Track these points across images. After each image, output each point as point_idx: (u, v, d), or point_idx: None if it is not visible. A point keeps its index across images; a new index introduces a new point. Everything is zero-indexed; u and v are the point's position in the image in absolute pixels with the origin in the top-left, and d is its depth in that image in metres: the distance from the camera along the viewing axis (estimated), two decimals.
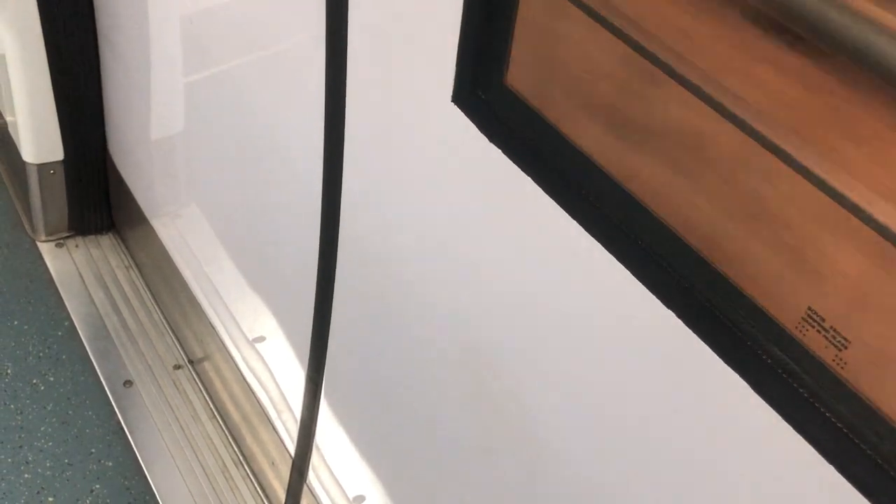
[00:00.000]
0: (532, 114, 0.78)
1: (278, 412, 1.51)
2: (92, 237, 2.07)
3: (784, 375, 0.62)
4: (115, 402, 1.74)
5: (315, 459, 1.37)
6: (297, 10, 1.10)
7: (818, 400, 0.61)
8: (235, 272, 1.56)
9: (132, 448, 1.66)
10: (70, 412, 1.75)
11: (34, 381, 1.80)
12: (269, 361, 1.52)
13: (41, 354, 1.85)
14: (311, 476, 1.38)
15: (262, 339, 1.54)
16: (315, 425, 1.31)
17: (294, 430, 1.37)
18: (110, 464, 1.67)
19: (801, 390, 0.62)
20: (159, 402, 1.74)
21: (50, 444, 1.69)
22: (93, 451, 1.69)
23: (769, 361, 0.63)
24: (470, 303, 0.94)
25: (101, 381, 1.78)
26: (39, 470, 1.65)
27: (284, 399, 1.51)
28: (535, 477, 0.92)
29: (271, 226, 1.39)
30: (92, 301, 1.93)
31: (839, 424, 0.60)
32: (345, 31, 0.92)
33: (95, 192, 2.02)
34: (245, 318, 1.56)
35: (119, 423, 1.71)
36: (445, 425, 1.06)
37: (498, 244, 0.87)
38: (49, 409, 1.75)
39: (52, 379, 1.81)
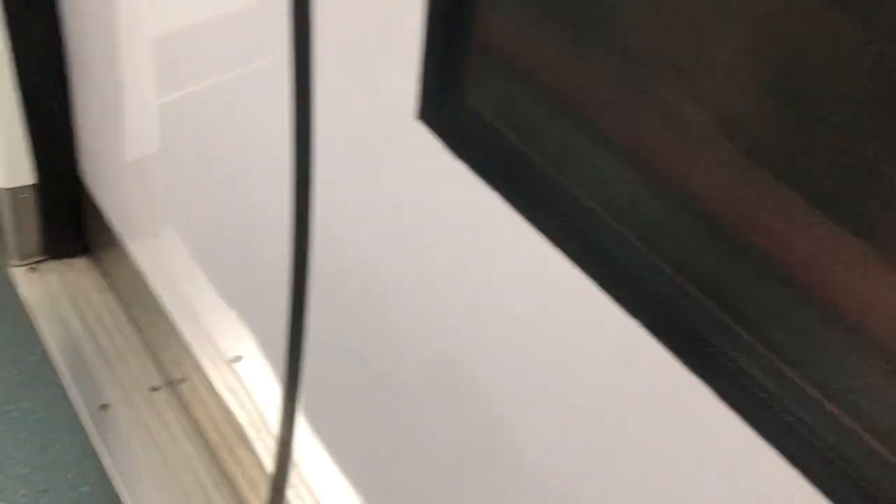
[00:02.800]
0: (495, 130, 0.79)
1: (257, 432, 1.51)
2: (66, 261, 2.05)
3: (746, 381, 0.63)
4: (92, 426, 1.72)
5: (294, 478, 1.37)
6: (263, 31, 1.10)
7: (780, 405, 0.62)
8: (212, 292, 1.55)
9: (109, 472, 1.65)
10: (45, 438, 1.73)
11: (8, 407, 1.78)
12: (247, 381, 1.52)
13: (15, 380, 1.83)
14: (290, 495, 1.38)
15: (239, 358, 1.53)
16: (293, 444, 1.31)
17: (273, 449, 1.37)
18: (87, 489, 1.65)
19: (763, 396, 0.63)
20: (136, 425, 1.72)
21: (25, 470, 1.67)
22: (69, 476, 1.67)
23: (732, 368, 0.65)
24: (442, 316, 0.94)
25: (76, 406, 1.76)
26: (14, 497, 1.62)
27: (263, 418, 1.50)
28: (515, 489, 0.93)
29: (246, 245, 1.39)
30: (66, 325, 1.92)
31: (801, 430, 0.61)
32: (310, 52, 0.93)
33: (68, 216, 2.00)
34: (222, 338, 1.56)
35: (96, 447, 1.69)
36: (424, 439, 1.06)
37: (467, 258, 0.88)
38: (23, 435, 1.73)
39: (26, 405, 1.78)
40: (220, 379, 1.57)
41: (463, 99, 0.81)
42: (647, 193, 0.70)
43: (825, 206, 0.58)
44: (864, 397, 0.59)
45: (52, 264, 2.05)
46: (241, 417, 1.53)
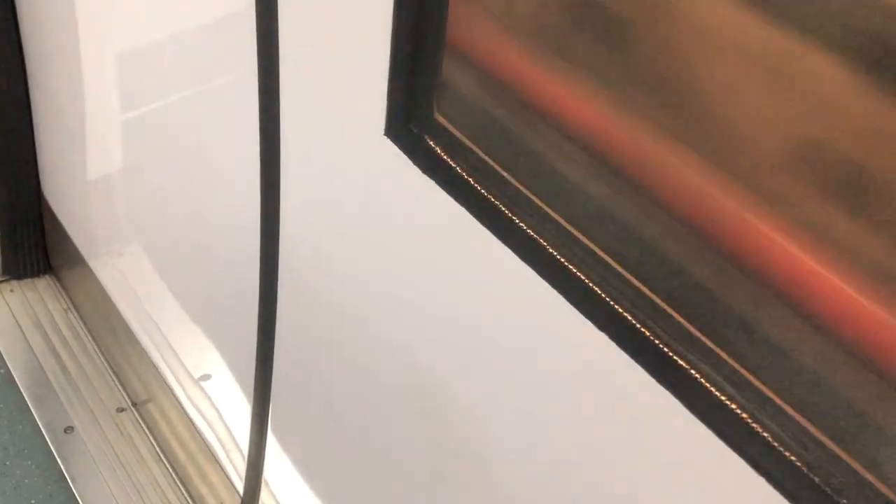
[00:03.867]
0: (463, 146, 0.80)
1: (226, 451, 1.49)
2: (28, 281, 2.02)
3: (713, 391, 0.64)
4: (56, 449, 1.69)
5: (265, 496, 1.35)
6: (228, 47, 1.10)
7: (748, 413, 0.63)
8: (178, 310, 1.54)
9: (75, 496, 1.61)
10: (8, 463, 1.69)
11: None
12: (216, 399, 1.50)
13: None
14: None
15: (207, 377, 1.52)
16: (263, 462, 1.29)
17: (243, 468, 1.35)
18: None
19: (730, 405, 0.64)
20: (102, 447, 1.69)
21: None
22: (33, 501, 1.63)
23: (700, 379, 0.66)
24: (410, 332, 0.95)
25: (40, 429, 1.72)
26: None
27: (232, 437, 1.48)
28: (483, 502, 0.93)
29: (212, 262, 1.38)
30: (29, 346, 1.88)
31: (766, 436, 0.62)
32: (276, 69, 0.93)
33: (30, 235, 1.97)
34: (189, 356, 1.54)
35: (61, 471, 1.66)
36: (395, 456, 1.06)
37: (435, 273, 0.88)
38: None
39: None
40: (187, 398, 1.55)
41: (431, 115, 0.82)
42: (614, 208, 0.71)
43: (785, 214, 0.59)
44: (828, 405, 0.60)
45: (14, 284, 2.01)
46: (210, 437, 1.51)
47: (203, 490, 1.57)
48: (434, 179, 0.81)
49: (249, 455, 1.31)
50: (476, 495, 0.94)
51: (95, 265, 1.79)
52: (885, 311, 0.56)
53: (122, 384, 1.81)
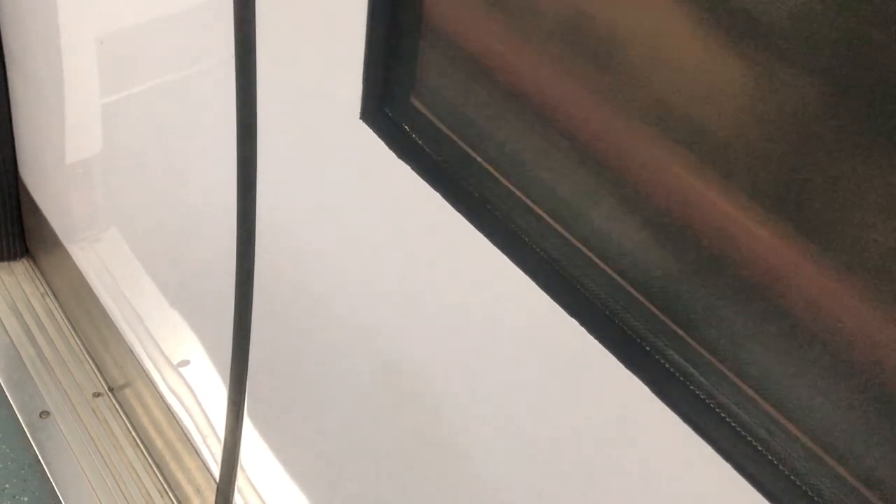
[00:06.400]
0: (438, 131, 0.80)
1: (203, 437, 1.48)
2: (4, 264, 2.00)
3: (681, 378, 0.65)
4: (31, 434, 1.68)
5: (241, 482, 1.35)
6: (206, 31, 1.09)
7: (713, 400, 0.64)
8: (156, 295, 1.53)
9: (50, 481, 1.61)
10: None
11: None
12: (194, 385, 1.50)
13: None
14: (237, 499, 1.36)
15: (185, 362, 1.51)
16: (239, 448, 1.29)
17: (219, 454, 1.35)
18: (26, 499, 1.61)
19: (697, 392, 0.64)
20: (78, 433, 1.68)
21: None
22: (7, 486, 1.62)
23: (667, 365, 0.66)
24: (385, 317, 0.95)
25: (15, 413, 1.71)
26: None
27: (209, 423, 1.48)
28: (460, 487, 0.93)
29: (191, 247, 1.37)
30: (5, 330, 1.87)
31: (733, 423, 0.62)
32: (253, 53, 0.92)
33: (7, 218, 1.95)
34: (167, 341, 1.53)
35: (35, 455, 1.65)
36: (370, 441, 1.06)
37: (409, 258, 0.88)
38: None
39: None
40: (164, 383, 1.55)
41: (407, 100, 0.82)
42: (587, 197, 0.71)
43: (764, 207, 0.59)
44: (798, 396, 0.60)
45: None
46: (187, 423, 1.50)
47: (179, 476, 1.56)
48: (409, 164, 0.81)
49: (225, 441, 1.30)
50: (449, 481, 0.94)
51: (73, 249, 1.77)
52: (852, 296, 0.56)
53: (98, 369, 1.80)
